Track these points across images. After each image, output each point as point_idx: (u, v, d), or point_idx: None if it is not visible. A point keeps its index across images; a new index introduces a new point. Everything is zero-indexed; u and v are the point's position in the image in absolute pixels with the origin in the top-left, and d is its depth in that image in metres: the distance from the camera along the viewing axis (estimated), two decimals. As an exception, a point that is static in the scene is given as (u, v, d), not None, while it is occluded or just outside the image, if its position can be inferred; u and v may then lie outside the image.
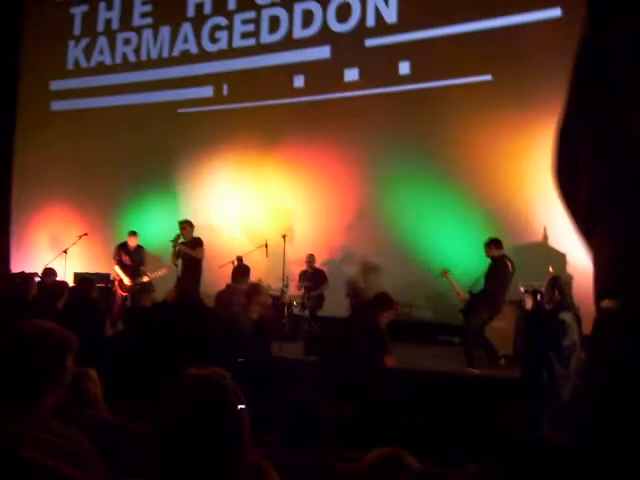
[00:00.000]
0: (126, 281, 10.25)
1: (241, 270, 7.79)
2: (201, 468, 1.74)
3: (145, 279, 10.00)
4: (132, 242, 10.56)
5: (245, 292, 6.68)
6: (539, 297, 7.57)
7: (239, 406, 1.80)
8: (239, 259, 9.93)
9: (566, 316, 6.35)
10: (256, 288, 6.71)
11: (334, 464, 2.69)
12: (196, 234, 10.17)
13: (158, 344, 5.65)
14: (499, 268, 8.06)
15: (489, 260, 8.21)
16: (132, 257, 10.45)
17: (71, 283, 10.01)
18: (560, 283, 7.12)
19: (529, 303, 7.99)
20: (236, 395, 1.81)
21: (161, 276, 9.99)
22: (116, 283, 10.45)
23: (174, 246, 9.88)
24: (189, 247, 9.89)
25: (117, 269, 10.43)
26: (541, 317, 7.05)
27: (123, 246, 10.57)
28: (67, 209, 13.32)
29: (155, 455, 1.79)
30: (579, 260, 9.05)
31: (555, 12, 9.63)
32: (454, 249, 9.75)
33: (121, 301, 10.18)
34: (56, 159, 13.54)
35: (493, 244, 8.18)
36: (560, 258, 9.18)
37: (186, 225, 10.06)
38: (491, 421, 5.41)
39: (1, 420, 1.98)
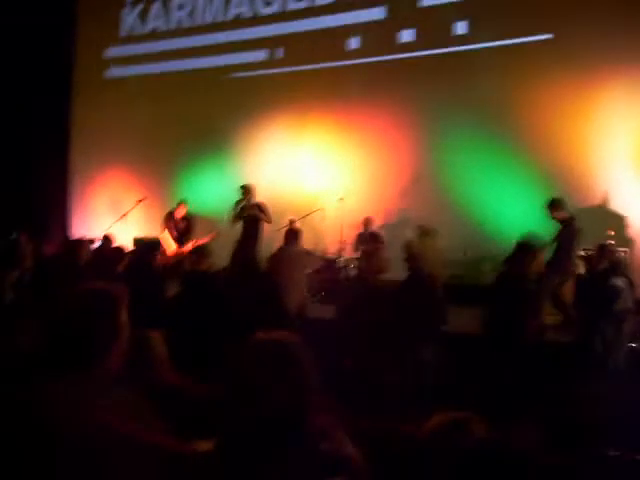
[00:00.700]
0: (171, 249, 10.32)
1: (293, 233, 7.84)
2: (268, 430, 1.76)
3: (188, 246, 10.04)
4: (179, 212, 10.59)
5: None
6: (591, 263, 7.43)
7: (307, 370, 1.81)
8: (291, 222, 9.96)
9: (618, 281, 6.25)
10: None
11: (399, 429, 2.70)
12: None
13: (219, 309, 5.72)
14: (564, 230, 7.83)
15: (551, 223, 8.01)
16: (178, 227, 10.51)
17: (131, 247, 10.19)
18: (607, 251, 6.99)
19: (581, 269, 7.85)
20: (306, 359, 1.82)
21: (207, 242, 10.03)
22: (160, 251, 10.46)
23: (237, 209, 9.97)
24: (258, 211, 9.96)
25: (165, 235, 10.45)
26: (593, 282, 6.94)
27: (170, 216, 10.64)
28: (125, 173, 13.51)
29: (223, 417, 1.82)
30: (640, 223, 8.88)
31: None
32: (514, 213, 9.60)
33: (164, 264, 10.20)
34: (112, 125, 13.68)
35: (554, 206, 7.95)
36: (621, 221, 9.01)
37: (247, 190, 10.12)
38: (545, 386, 5.34)
39: (61, 386, 1.99)
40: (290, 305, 7.10)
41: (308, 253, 7.40)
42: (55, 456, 1.84)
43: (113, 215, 12.24)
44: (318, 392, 1.83)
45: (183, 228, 10.56)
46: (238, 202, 10.03)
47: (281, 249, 7.64)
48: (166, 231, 10.44)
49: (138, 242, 10.81)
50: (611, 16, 9.18)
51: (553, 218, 7.96)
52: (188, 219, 10.69)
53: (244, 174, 11.94)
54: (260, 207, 10.00)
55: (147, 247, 7.46)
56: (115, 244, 10.16)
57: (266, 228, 10.19)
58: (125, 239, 11.13)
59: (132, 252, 8.11)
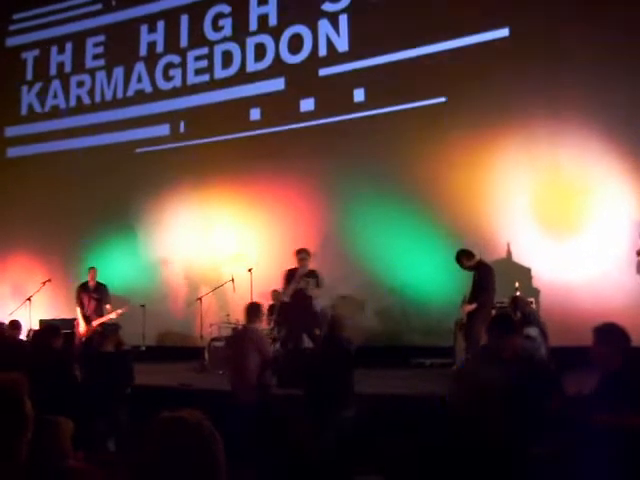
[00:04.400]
0: (82, 327, 10.07)
1: (254, 309, 6.85)
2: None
3: (99, 322, 9.77)
4: (92, 280, 10.29)
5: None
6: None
7: (216, 446, 1.75)
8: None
9: (531, 331, 6.39)
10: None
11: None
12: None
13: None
14: (481, 275, 7.91)
15: (459, 274, 8.15)
16: (94, 296, 10.20)
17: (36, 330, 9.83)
18: (519, 302, 7.19)
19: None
20: (213, 436, 1.76)
21: (116, 318, 9.73)
22: (76, 324, 10.21)
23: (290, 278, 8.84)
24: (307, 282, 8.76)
25: (78, 312, 10.19)
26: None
27: (84, 286, 10.32)
28: (29, 256, 13.10)
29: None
30: (544, 274, 9.16)
31: (503, 32, 9.82)
32: (421, 270, 9.78)
33: (79, 344, 9.89)
34: (15, 206, 13.35)
35: (464, 256, 8.01)
36: (526, 272, 9.26)
37: (305, 255, 8.91)
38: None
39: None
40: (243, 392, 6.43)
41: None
42: None
43: (17, 299, 11.83)
44: (226, 473, 1.76)
45: (98, 297, 10.16)
46: (291, 270, 8.91)
47: (245, 327, 6.88)
48: (78, 309, 10.14)
49: (43, 324, 10.48)
50: (498, 74, 9.67)
51: (465, 268, 8.02)
52: (101, 286, 10.33)
53: (152, 249, 11.82)
54: (311, 275, 8.84)
55: (48, 330, 7.13)
56: (20, 328, 9.82)
57: (179, 302, 10.01)
58: (30, 323, 10.78)
59: (34, 336, 7.82)
